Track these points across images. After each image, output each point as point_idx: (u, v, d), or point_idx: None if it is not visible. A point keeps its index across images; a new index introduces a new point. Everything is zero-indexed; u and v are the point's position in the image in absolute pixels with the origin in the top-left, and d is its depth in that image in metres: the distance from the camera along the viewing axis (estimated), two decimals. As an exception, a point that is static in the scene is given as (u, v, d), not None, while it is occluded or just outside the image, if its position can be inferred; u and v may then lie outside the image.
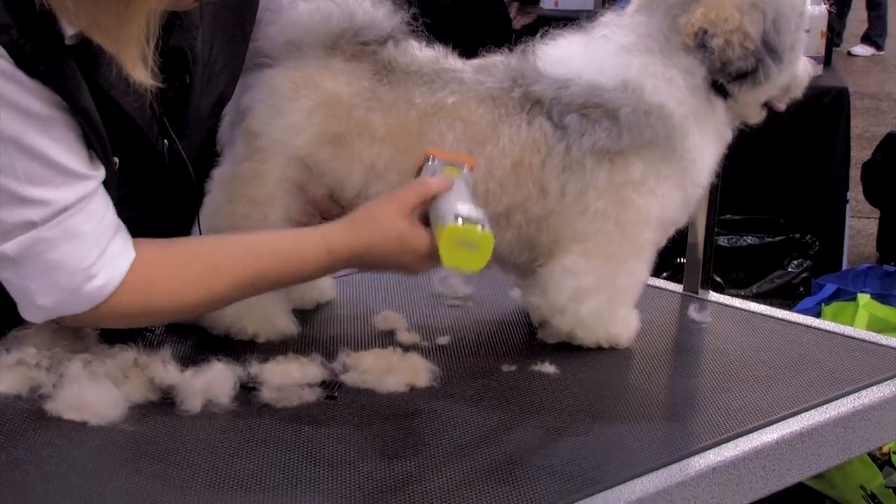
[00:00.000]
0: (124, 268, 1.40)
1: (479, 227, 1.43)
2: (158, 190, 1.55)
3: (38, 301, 1.38)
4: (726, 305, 1.88)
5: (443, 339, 1.66)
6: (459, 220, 1.42)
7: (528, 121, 1.57)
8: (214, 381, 1.44)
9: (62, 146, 1.35)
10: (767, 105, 1.66)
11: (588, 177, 1.56)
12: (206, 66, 1.56)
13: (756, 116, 1.66)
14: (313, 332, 1.66)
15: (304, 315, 1.71)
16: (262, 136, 1.57)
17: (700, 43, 1.57)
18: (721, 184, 1.84)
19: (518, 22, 4.57)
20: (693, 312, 1.82)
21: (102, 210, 1.40)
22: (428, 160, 1.53)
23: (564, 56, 1.60)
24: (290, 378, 1.47)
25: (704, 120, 1.61)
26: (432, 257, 1.47)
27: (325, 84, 1.56)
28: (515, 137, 1.56)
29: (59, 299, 1.38)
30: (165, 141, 1.52)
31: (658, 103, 1.56)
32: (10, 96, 1.31)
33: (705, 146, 1.62)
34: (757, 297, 4.01)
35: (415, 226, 1.47)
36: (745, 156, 3.93)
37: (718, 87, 1.61)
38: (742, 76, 1.58)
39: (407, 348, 1.58)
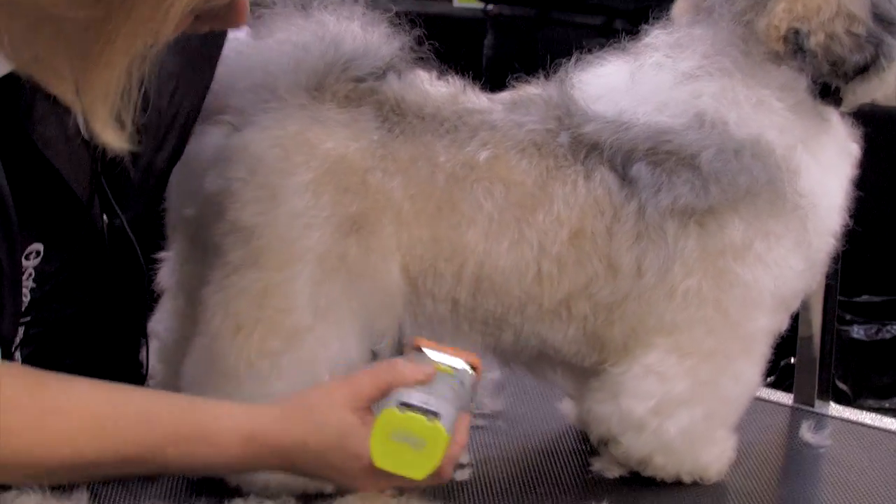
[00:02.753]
0: None
1: (426, 418, 1.39)
2: (96, 281, 1.54)
3: None
4: (854, 423, 1.86)
5: (462, 474, 1.64)
6: (401, 406, 1.39)
7: (585, 173, 1.56)
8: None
9: None
10: None
11: (671, 247, 1.55)
12: (163, 115, 1.55)
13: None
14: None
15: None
16: (261, 233, 1.50)
17: (795, 47, 1.58)
18: (850, 251, 1.82)
19: None
20: (807, 433, 1.80)
21: None
22: (414, 352, 1.50)
23: (609, 88, 1.60)
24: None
25: (821, 143, 1.62)
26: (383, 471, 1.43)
27: (325, 144, 1.52)
28: (571, 198, 1.56)
29: None
30: (105, 216, 1.53)
31: (750, 137, 1.56)
32: None
33: (828, 179, 1.62)
34: (908, 411, 3.96)
35: (366, 424, 1.42)
36: (887, 215, 3.91)
37: (830, 93, 1.62)
38: (862, 70, 1.59)
39: (410, 488, 1.54)
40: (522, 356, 1.65)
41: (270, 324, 1.51)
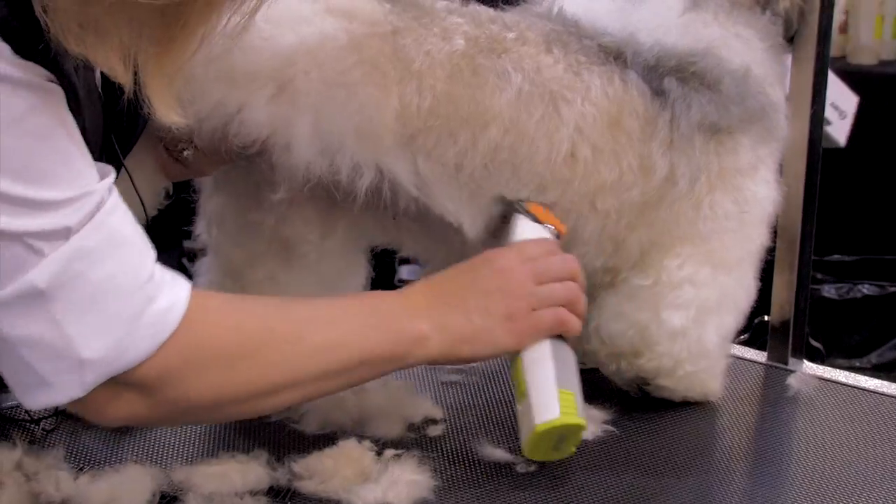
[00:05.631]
0: (186, 290, 1.32)
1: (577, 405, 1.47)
2: None
3: (82, 353, 1.24)
4: (827, 380, 1.87)
5: (435, 430, 1.65)
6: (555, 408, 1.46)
7: (619, 74, 1.61)
8: (122, 489, 1.42)
9: (79, 133, 1.29)
10: None
11: (699, 159, 1.63)
12: None
13: None
14: (256, 420, 1.64)
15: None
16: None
17: (765, 6, 1.71)
18: (822, 211, 1.85)
19: None
20: (780, 390, 1.81)
21: (131, 215, 1.32)
22: (514, 215, 1.54)
23: (600, 12, 1.65)
24: (226, 484, 1.46)
25: (784, 87, 1.75)
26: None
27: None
28: (610, 90, 1.60)
29: (114, 340, 1.25)
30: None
31: (744, 68, 1.66)
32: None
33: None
34: (877, 370, 3.98)
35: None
36: (859, 175, 3.92)
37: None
38: (792, 38, 1.76)
39: (384, 445, 1.56)
40: None
41: None
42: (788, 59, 1.81)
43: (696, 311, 1.67)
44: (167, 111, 1.25)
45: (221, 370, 1.34)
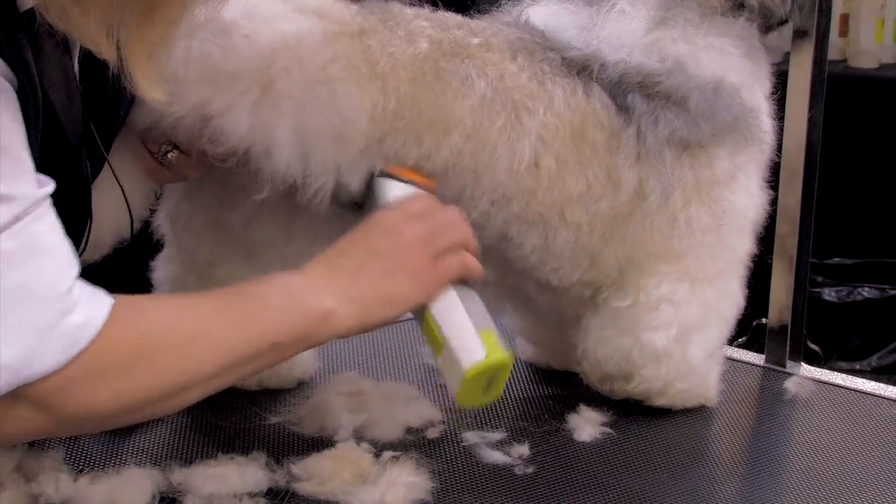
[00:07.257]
0: (106, 307, 1.30)
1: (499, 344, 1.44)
2: (80, 228, 1.52)
3: None
4: (826, 383, 1.87)
5: (433, 432, 1.64)
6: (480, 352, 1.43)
7: (583, 86, 1.60)
8: (121, 491, 1.43)
9: (22, 136, 1.27)
10: None
11: (670, 174, 1.62)
12: None
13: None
14: (255, 422, 1.65)
15: (245, 397, 1.71)
16: None
17: (735, 2, 1.68)
18: (823, 214, 1.84)
19: None
20: (778, 393, 1.81)
21: (60, 227, 1.31)
22: (378, 180, 1.51)
23: (563, 27, 1.64)
24: (225, 486, 1.47)
25: (766, 87, 1.74)
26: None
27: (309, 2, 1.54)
28: (572, 102, 1.59)
29: (23, 348, 1.23)
30: (88, 164, 1.50)
31: (717, 79, 1.64)
32: None
33: (769, 119, 1.74)
34: (878, 373, 3.97)
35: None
36: (859, 178, 3.91)
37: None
38: (783, 22, 1.73)
39: (383, 447, 1.56)
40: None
41: None
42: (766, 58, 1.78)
43: (678, 330, 1.66)
44: (149, 87, 1.25)
45: (121, 379, 1.31)
